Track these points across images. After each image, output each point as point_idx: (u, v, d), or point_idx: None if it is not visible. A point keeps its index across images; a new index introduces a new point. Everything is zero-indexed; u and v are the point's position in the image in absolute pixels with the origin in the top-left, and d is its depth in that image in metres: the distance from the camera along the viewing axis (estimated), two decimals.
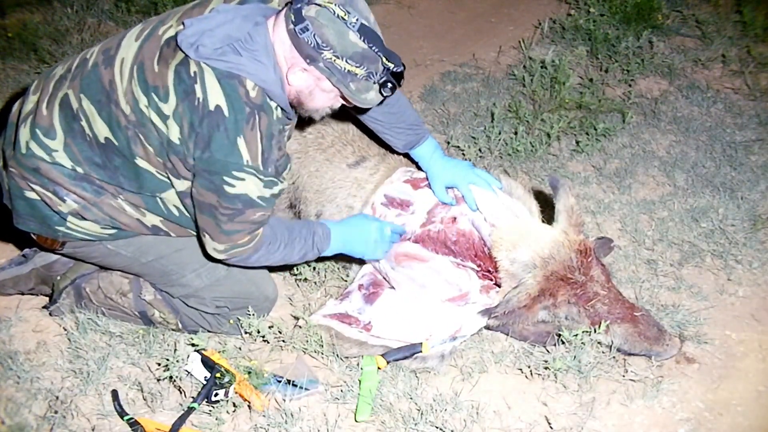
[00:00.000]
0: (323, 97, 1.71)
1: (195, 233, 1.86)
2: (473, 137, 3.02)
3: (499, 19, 4.25)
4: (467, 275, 2.02)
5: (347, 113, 2.17)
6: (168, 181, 1.71)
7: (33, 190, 1.73)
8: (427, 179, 2.12)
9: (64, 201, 1.72)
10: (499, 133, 2.94)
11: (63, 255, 2.01)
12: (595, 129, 3.02)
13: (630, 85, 3.48)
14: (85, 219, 1.75)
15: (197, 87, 1.56)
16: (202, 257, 1.91)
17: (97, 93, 1.65)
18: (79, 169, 1.70)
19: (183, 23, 1.59)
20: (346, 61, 1.57)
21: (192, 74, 1.56)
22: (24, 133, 1.72)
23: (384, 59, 1.62)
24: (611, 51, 3.63)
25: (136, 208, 1.76)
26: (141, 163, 1.67)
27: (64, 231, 1.78)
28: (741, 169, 2.87)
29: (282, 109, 1.67)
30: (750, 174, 2.84)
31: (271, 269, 2.10)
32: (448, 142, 2.98)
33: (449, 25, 4.20)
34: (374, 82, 1.64)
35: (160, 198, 1.75)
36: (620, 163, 2.93)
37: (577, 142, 3.02)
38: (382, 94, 1.67)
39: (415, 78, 3.59)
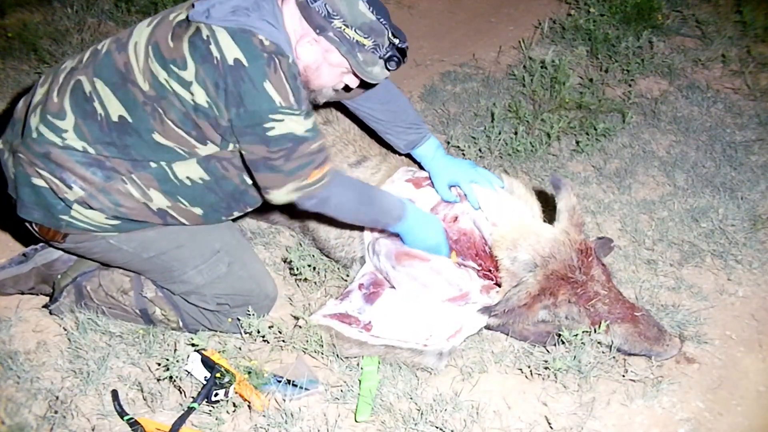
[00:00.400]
0: (330, 73, 1.76)
1: (201, 213, 1.86)
2: (473, 137, 3.02)
3: (499, 19, 4.25)
4: (468, 275, 2.02)
5: (350, 113, 2.17)
6: (185, 153, 1.72)
7: (40, 176, 1.74)
8: (429, 178, 2.12)
9: (70, 188, 1.72)
10: (499, 133, 2.95)
11: (64, 250, 2.01)
12: (595, 129, 3.02)
13: (630, 85, 3.48)
14: (90, 208, 1.75)
15: (212, 47, 1.59)
16: (204, 254, 1.91)
17: (112, 75, 1.69)
18: (90, 150, 1.71)
19: (193, 5, 1.65)
20: (355, 31, 1.65)
21: (205, 38, 1.60)
22: (34, 120, 1.74)
23: (390, 33, 1.69)
24: (611, 51, 3.63)
25: (143, 192, 1.75)
26: (158, 138, 1.69)
27: (67, 220, 1.77)
28: (741, 169, 2.87)
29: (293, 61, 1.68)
30: (750, 174, 2.84)
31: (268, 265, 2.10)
32: (448, 142, 2.98)
33: (449, 25, 4.20)
34: (380, 57, 1.72)
35: (172, 169, 1.75)
36: (620, 163, 2.93)
37: (577, 142, 3.02)
38: (387, 69, 1.74)
39: (415, 78, 3.60)
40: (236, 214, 1.95)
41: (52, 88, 1.76)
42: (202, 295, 1.95)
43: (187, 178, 1.77)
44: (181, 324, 2.02)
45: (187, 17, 1.65)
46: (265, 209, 2.48)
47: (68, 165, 1.71)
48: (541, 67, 3.33)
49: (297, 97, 1.65)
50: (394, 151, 2.22)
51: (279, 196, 1.78)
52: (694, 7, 4.09)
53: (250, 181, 1.84)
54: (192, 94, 1.62)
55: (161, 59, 1.64)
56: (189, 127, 1.68)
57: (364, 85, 1.81)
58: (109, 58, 1.71)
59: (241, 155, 1.74)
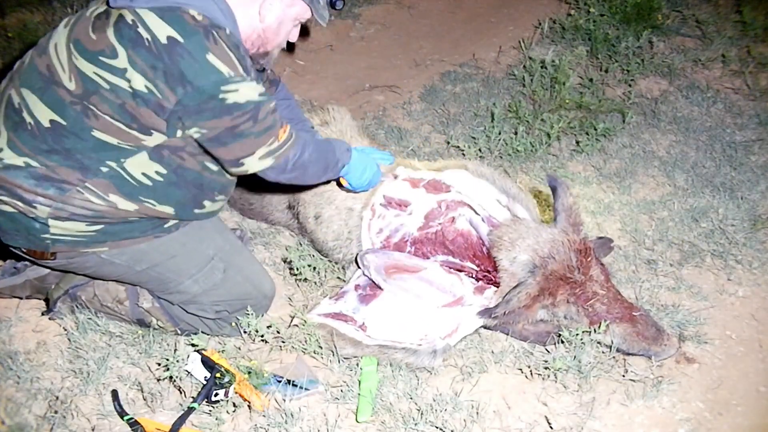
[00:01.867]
0: (286, 29, 1.80)
1: (173, 212, 1.79)
2: (473, 137, 3.02)
3: (499, 19, 4.25)
4: (459, 280, 2.02)
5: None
6: (132, 147, 1.64)
7: (4, 202, 1.66)
8: (422, 177, 2.12)
9: (34, 207, 1.65)
10: (499, 133, 2.95)
11: (55, 269, 1.96)
12: (595, 129, 3.02)
13: (630, 85, 3.48)
14: (66, 219, 1.68)
15: (140, 30, 1.52)
16: (199, 262, 1.89)
17: (36, 81, 1.62)
18: (33, 163, 1.62)
19: None
20: None
21: (131, 22, 1.53)
22: None
23: None
24: (611, 51, 3.63)
25: (104, 199, 1.68)
26: (98, 135, 1.61)
27: (51, 237, 1.70)
28: (741, 169, 2.88)
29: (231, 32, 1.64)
30: (750, 174, 2.84)
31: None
32: (448, 142, 2.99)
33: (449, 25, 4.20)
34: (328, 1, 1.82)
35: (125, 169, 1.67)
36: (620, 163, 2.93)
37: (577, 142, 3.02)
38: (335, 8, 1.84)
39: (415, 78, 3.60)
40: (208, 205, 1.87)
41: None
42: (200, 303, 1.93)
43: (143, 175, 1.69)
44: (178, 332, 2.01)
45: (107, 7, 1.58)
46: (265, 209, 2.48)
47: (17, 184, 1.63)
48: (541, 67, 3.33)
49: (244, 65, 1.60)
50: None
51: (252, 163, 1.71)
52: (694, 7, 4.10)
53: (212, 167, 1.79)
54: (128, 80, 1.54)
55: (86, 53, 1.56)
56: (127, 119, 1.58)
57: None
58: (32, 65, 1.65)
59: (196, 141, 1.68)
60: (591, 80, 3.43)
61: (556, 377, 1.92)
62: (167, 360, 1.85)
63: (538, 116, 3.09)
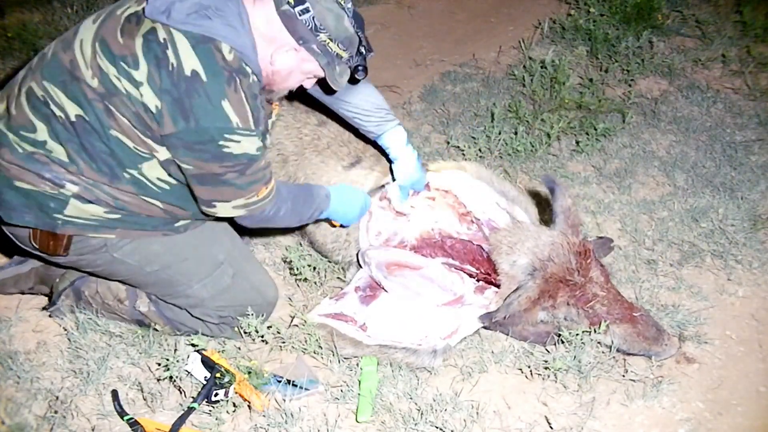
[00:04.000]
0: (297, 79, 1.75)
1: (192, 213, 1.80)
2: (473, 137, 3.02)
3: (499, 19, 4.25)
4: (460, 278, 2.02)
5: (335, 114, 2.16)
6: (146, 154, 1.64)
7: (24, 181, 1.64)
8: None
9: (62, 186, 1.65)
10: (499, 133, 2.94)
11: (64, 266, 1.95)
12: (595, 129, 3.02)
13: (630, 85, 3.48)
14: (88, 201, 1.67)
15: (169, 52, 1.52)
16: (209, 267, 1.88)
17: (60, 75, 1.61)
18: (71, 154, 1.63)
19: (146, 0, 1.57)
20: (338, 45, 1.65)
21: (162, 40, 1.53)
22: (9, 135, 1.65)
23: (361, 44, 1.71)
24: (611, 51, 3.63)
25: (133, 195, 1.70)
26: (115, 134, 1.61)
27: (63, 218, 1.68)
28: (741, 169, 2.87)
29: (256, 76, 1.64)
30: (750, 174, 2.84)
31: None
32: (448, 142, 2.99)
33: (449, 25, 4.20)
34: (349, 66, 1.73)
35: (142, 174, 1.67)
36: (620, 163, 2.93)
37: (577, 142, 3.02)
38: (356, 78, 1.77)
39: (415, 78, 3.59)
40: None
41: (9, 102, 1.68)
42: (205, 308, 1.93)
43: (158, 179, 1.70)
44: (177, 333, 2.01)
45: (140, 12, 1.57)
46: None
47: (54, 166, 1.63)
48: (541, 67, 3.33)
49: (255, 118, 1.61)
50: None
51: (224, 209, 1.72)
52: (694, 7, 4.10)
53: None
54: (141, 94, 1.54)
55: (110, 55, 1.55)
56: (142, 127, 1.59)
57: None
58: (55, 59, 1.63)
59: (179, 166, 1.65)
60: (591, 80, 3.43)
61: (556, 377, 1.92)
62: (167, 360, 1.85)
63: (538, 116, 3.09)
